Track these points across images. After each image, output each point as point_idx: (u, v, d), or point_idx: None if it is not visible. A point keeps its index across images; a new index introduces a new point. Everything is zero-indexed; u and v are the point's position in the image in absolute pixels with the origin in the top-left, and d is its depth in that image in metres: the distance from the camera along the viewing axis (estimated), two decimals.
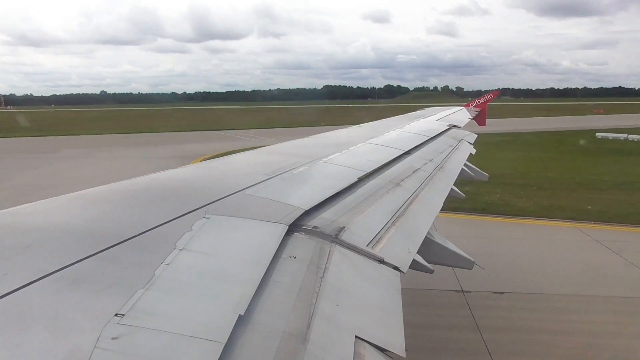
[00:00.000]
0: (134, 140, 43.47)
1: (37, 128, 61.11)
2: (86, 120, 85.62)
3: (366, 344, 1.70)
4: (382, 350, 1.72)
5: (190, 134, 48.12)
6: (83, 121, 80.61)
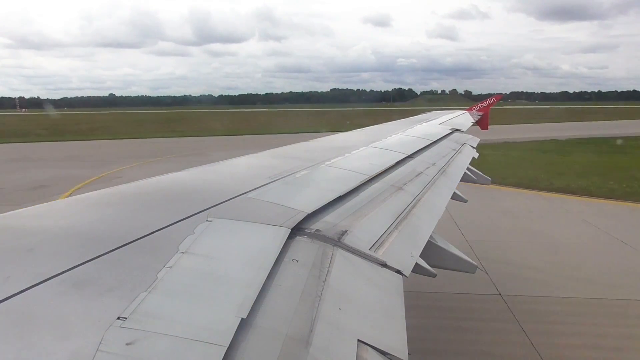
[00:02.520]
0: (261, 141, 41.65)
1: (118, 131, 60.37)
2: (152, 122, 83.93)
3: (369, 348, 1.69)
4: (384, 354, 1.72)
5: (293, 136, 46.50)
6: (151, 124, 79.10)
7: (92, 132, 58.98)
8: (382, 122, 9.65)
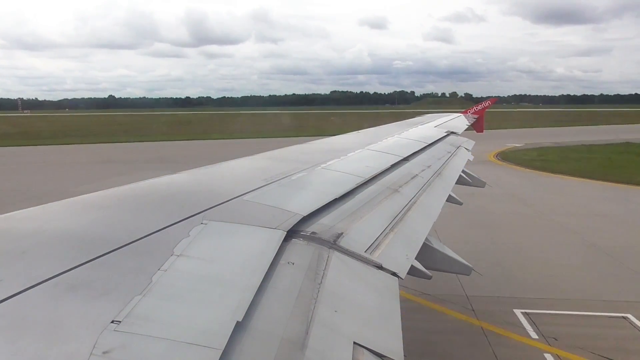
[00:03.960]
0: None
1: (165, 132, 58.71)
2: (189, 124, 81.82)
3: (364, 350, 1.69)
4: (380, 356, 1.71)
5: None
6: (190, 125, 77.34)
7: (137, 133, 57.65)
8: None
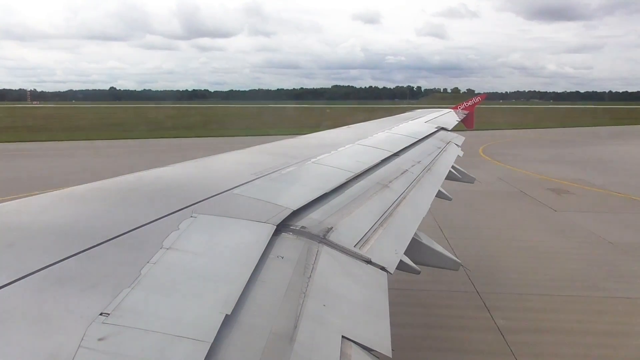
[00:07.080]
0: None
1: (227, 126, 56.31)
2: (237, 117, 77.71)
3: (353, 344, 1.71)
4: (368, 350, 1.73)
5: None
6: (240, 119, 73.23)
7: (212, 126, 55.73)
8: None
